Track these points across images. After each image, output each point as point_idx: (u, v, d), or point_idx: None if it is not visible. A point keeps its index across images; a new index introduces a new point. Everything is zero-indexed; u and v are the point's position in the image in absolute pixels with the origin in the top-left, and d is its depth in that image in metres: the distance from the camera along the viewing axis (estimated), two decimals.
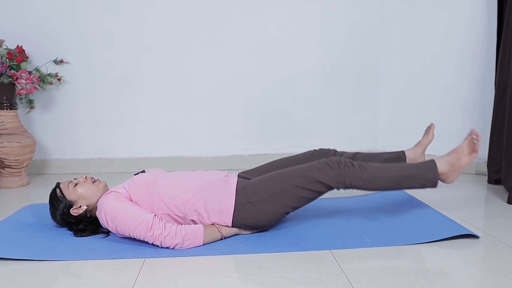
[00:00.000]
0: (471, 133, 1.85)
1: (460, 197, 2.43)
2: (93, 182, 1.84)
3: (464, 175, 2.87)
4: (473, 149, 1.81)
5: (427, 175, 1.78)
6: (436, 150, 3.03)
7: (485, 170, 2.77)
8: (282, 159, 2.07)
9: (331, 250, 1.64)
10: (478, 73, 2.85)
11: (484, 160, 2.80)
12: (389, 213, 2.06)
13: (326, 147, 2.13)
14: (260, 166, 2.05)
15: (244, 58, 3.09)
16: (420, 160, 2.14)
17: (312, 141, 3.21)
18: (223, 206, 1.73)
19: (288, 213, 1.78)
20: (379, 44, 3.16)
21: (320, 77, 3.16)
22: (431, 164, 1.81)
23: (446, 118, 2.98)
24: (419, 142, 2.19)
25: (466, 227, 1.82)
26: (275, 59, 3.11)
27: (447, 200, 2.32)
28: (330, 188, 1.76)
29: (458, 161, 1.81)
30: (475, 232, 1.77)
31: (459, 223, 1.87)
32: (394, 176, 1.78)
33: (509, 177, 2.40)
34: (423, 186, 1.81)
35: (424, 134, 2.20)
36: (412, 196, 2.30)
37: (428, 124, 2.22)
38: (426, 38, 2.99)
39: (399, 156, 2.14)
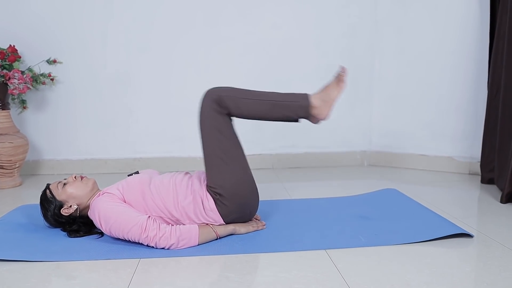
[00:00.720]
0: (339, 69, 1.87)
1: (453, 197, 2.44)
2: (82, 180, 1.83)
3: (457, 175, 2.89)
4: (340, 80, 1.83)
5: (299, 102, 1.79)
6: (430, 151, 3.06)
7: (478, 170, 2.79)
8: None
9: (326, 250, 1.64)
10: (471, 73, 2.87)
11: (477, 160, 2.82)
12: (383, 212, 2.06)
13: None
14: None
15: (239, 58, 3.09)
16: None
17: (306, 141, 3.22)
18: (207, 209, 1.74)
19: (242, 160, 1.80)
20: (373, 45, 3.17)
21: (314, 77, 3.16)
22: (305, 94, 1.82)
23: (440, 118, 3.00)
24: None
25: (460, 226, 1.83)
26: (270, 59, 3.11)
27: (440, 199, 2.33)
28: (222, 113, 1.76)
29: (328, 96, 1.82)
30: (469, 231, 1.78)
31: (453, 222, 1.88)
32: (266, 99, 1.79)
33: (502, 177, 2.41)
34: (294, 113, 1.80)
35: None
36: (405, 195, 2.30)
37: None
38: (419, 39, 3.01)
39: None
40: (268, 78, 3.13)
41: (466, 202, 2.36)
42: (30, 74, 2.73)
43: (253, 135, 3.18)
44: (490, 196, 2.39)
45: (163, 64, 3.05)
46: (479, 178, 2.75)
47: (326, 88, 1.85)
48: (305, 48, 3.13)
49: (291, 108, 1.79)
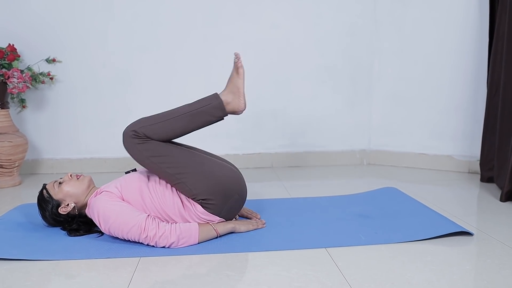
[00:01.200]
0: (234, 57, 1.88)
1: (453, 196, 2.44)
2: (77, 178, 1.83)
3: (457, 174, 2.89)
4: (237, 67, 1.84)
5: (212, 103, 1.79)
6: (430, 150, 3.06)
7: (478, 168, 2.79)
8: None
9: (326, 248, 1.64)
10: (471, 72, 2.87)
11: (477, 158, 2.82)
12: (382, 211, 2.07)
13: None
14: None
15: None
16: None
17: (305, 140, 3.22)
18: (199, 213, 1.73)
19: (191, 162, 1.77)
20: (372, 44, 3.17)
21: (314, 76, 3.17)
22: (214, 95, 1.83)
23: (440, 117, 3.00)
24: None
25: (460, 224, 1.83)
26: (269, 59, 3.11)
27: (440, 198, 2.34)
28: (141, 142, 1.73)
29: (235, 86, 1.83)
30: (469, 229, 1.78)
31: (453, 220, 1.88)
32: (182, 115, 1.78)
33: (501, 175, 2.42)
34: (214, 115, 1.81)
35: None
36: (405, 193, 2.31)
37: None
38: (419, 38, 3.01)
39: None
40: (267, 77, 3.13)
41: (466, 200, 2.36)
42: (30, 73, 2.73)
43: (252, 134, 3.18)
44: (490, 195, 2.39)
45: (163, 63, 3.04)
46: (479, 176, 2.75)
47: (229, 81, 1.87)
48: (305, 47, 3.13)
49: (207, 112, 1.80)
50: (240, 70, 1.85)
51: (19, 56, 2.76)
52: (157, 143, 1.75)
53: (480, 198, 2.39)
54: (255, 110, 3.13)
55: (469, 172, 2.93)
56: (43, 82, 2.87)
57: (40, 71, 2.87)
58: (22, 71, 2.69)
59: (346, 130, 3.26)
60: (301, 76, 3.15)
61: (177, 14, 3.00)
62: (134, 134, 1.73)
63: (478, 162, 2.78)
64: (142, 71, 3.04)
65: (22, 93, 2.80)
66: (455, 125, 2.97)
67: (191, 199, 1.74)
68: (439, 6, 2.92)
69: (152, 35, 3.01)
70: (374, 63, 3.19)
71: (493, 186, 2.55)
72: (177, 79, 3.07)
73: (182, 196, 1.76)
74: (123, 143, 1.76)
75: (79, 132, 3.06)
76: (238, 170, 1.89)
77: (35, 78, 2.80)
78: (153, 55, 3.03)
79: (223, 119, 1.84)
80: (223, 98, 1.82)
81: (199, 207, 1.73)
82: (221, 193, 1.74)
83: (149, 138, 1.73)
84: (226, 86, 1.87)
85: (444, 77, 2.96)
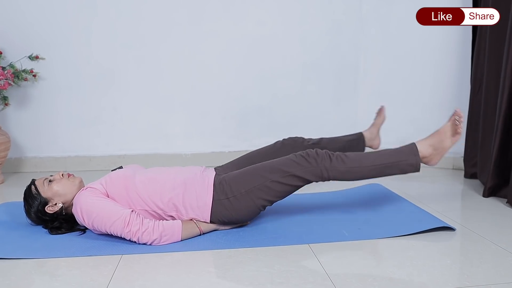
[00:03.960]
0: (455, 113, 1.81)
1: (437, 191, 2.46)
2: (68, 178, 1.80)
3: (441, 170, 2.92)
4: (456, 131, 1.77)
5: (408, 160, 1.74)
6: None
7: (462, 165, 2.82)
8: (256, 151, 2.07)
9: (309, 244, 1.64)
10: (455, 70, 2.89)
11: (461, 155, 2.85)
12: (366, 207, 2.08)
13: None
14: (236, 159, 2.04)
15: (223, 54, 3.08)
16: (377, 140, 2.23)
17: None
18: (201, 202, 1.71)
19: (265, 207, 1.77)
20: (358, 41, 3.18)
21: (299, 73, 3.17)
22: (412, 148, 1.77)
23: (424, 114, 3.02)
24: (373, 123, 2.28)
25: (442, 220, 1.84)
26: (255, 56, 3.10)
27: (424, 194, 2.35)
28: (308, 181, 1.75)
29: (441, 144, 1.77)
30: (451, 224, 1.79)
31: (436, 216, 1.89)
32: (374, 165, 1.74)
33: (484, 171, 2.44)
34: (405, 172, 1.78)
35: (376, 116, 2.29)
36: (389, 190, 2.32)
37: (379, 108, 2.31)
38: (404, 35, 3.02)
39: (359, 137, 2.21)
40: (252, 74, 3.12)
41: (449, 196, 2.38)
42: (12, 70, 2.69)
43: (238, 132, 3.17)
44: (473, 190, 2.42)
45: (148, 60, 3.02)
46: (463, 173, 2.78)
47: (438, 135, 1.79)
48: (290, 44, 3.12)
49: (400, 167, 1.75)
50: (457, 136, 1.77)
51: (1, 53, 2.72)
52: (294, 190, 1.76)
53: (464, 194, 2.42)
54: (241, 107, 3.13)
55: (453, 169, 2.95)
56: (25, 79, 2.83)
57: (23, 68, 2.83)
58: (4, 68, 2.66)
59: (332, 127, 3.26)
60: (287, 73, 3.14)
61: (161, 10, 2.98)
62: (322, 176, 1.72)
63: (462, 158, 2.80)
64: (127, 69, 3.01)
65: (4, 91, 2.76)
66: (439, 121, 2.96)
67: (224, 187, 1.71)
68: (424, 3, 2.92)
69: (136, 32, 2.98)
70: (359, 60, 3.20)
71: (476, 182, 2.57)
72: (162, 76, 3.05)
73: (187, 182, 1.73)
74: (305, 158, 1.73)
75: (63, 130, 3.02)
76: None
77: (18, 75, 2.76)
78: (138, 53, 3.00)
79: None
80: (420, 148, 1.75)
81: (209, 197, 1.70)
82: (236, 217, 1.74)
83: (327, 179, 1.74)
84: (431, 136, 1.81)
85: (429, 74, 2.98)
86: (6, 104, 2.86)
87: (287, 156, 1.76)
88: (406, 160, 1.74)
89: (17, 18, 2.86)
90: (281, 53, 3.12)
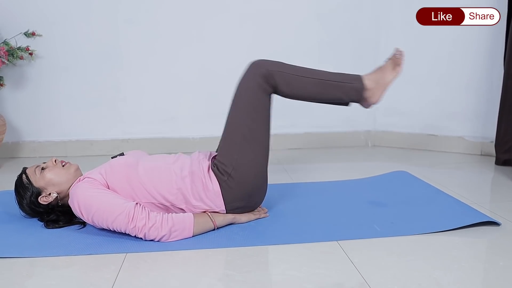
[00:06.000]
0: (395, 51, 1.74)
1: (467, 179, 2.27)
2: (63, 166, 1.62)
3: (469, 156, 2.72)
4: (397, 63, 1.72)
5: (353, 84, 1.67)
6: (440, 130, 2.88)
7: (492, 150, 2.62)
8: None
9: (338, 241, 1.45)
10: (486, 47, 2.66)
11: (490, 140, 2.65)
12: (395, 197, 1.88)
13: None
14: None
15: (234, 31, 2.86)
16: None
17: (306, 120, 3.02)
18: (209, 191, 1.54)
19: (266, 147, 1.64)
20: (378, 17, 2.95)
21: (316, 52, 2.95)
22: (358, 76, 1.70)
23: (449, 96, 2.81)
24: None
25: (481, 212, 1.64)
26: (268, 33, 2.88)
27: (453, 182, 2.15)
28: (266, 91, 1.61)
29: (383, 79, 1.71)
30: (494, 218, 1.59)
31: (474, 208, 1.70)
32: (319, 78, 1.67)
33: None
34: (347, 96, 1.69)
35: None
36: (417, 177, 2.12)
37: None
38: None
39: None
40: (266, 52, 2.89)
41: (481, 185, 2.19)
42: (6, 48, 2.51)
43: None
44: (508, 179, 2.22)
45: (153, 37, 2.81)
46: (492, 159, 2.58)
47: (380, 70, 1.73)
48: (306, 20, 2.90)
49: (344, 89, 1.67)
50: (398, 68, 1.72)
51: None
52: (268, 104, 1.63)
53: (497, 183, 2.21)
54: None
55: (481, 155, 2.75)
56: (21, 58, 2.64)
57: (18, 46, 2.64)
58: None
59: (349, 110, 3.02)
60: (303, 52, 2.92)
61: None
62: (266, 74, 1.60)
63: (491, 143, 2.60)
64: (130, 46, 2.81)
65: None
66: (467, 104, 2.78)
67: (219, 168, 1.56)
68: None
69: (140, 7, 2.77)
70: (380, 37, 2.97)
71: (509, 170, 2.37)
72: (168, 55, 2.84)
73: (193, 170, 1.57)
74: (247, 70, 1.64)
75: (63, 112, 2.84)
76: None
77: (12, 53, 2.57)
78: (142, 29, 2.79)
79: (348, 105, 1.74)
80: (365, 82, 1.67)
81: (216, 183, 1.55)
82: (247, 192, 1.59)
83: (274, 87, 1.61)
84: (374, 72, 1.72)
85: (456, 52, 2.76)
86: (1, 85, 2.67)
87: (242, 85, 1.65)
88: (350, 83, 1.68)
89: None
90: (297, 30, 2.90)
